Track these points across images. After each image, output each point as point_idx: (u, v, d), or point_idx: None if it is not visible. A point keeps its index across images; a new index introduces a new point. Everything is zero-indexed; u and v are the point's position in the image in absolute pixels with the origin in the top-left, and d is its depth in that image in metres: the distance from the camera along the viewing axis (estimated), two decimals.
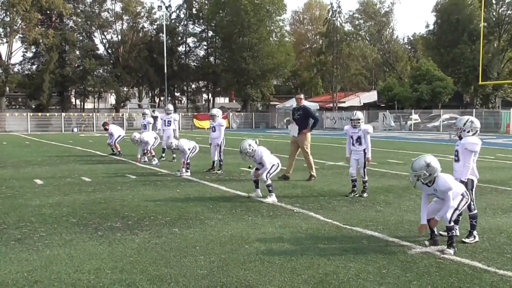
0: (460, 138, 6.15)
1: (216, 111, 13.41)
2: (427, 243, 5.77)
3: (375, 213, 7.64)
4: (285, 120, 45.25)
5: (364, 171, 9.26)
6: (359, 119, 9.29)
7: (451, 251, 5.48)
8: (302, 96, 12.03)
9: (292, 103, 49.82)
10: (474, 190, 6.11)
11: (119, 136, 17.72)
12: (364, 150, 9.21)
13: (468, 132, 6.09)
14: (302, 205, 8.25)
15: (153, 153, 14.69)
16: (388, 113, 44.47)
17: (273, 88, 59.10)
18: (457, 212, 5.65)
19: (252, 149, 8.74)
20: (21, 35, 49.13)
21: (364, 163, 9.24)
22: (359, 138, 9.23)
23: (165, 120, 16.36)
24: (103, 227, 6.65)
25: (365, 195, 9.11)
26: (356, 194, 9.14)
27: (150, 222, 6.93)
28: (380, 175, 12.11)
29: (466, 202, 5.74)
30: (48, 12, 50.86)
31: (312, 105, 28.52)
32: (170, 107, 16.95)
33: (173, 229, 6.53)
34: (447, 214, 5.52)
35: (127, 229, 6.52)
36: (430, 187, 5.67)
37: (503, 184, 10.62)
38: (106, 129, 18.11)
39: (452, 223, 5.56)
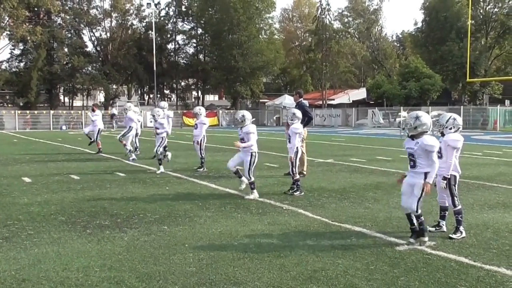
0: (443, 134, 6.23)
1: (198, 109, 13.29)
2: (412, 240, 5.80)
3: (364, 210, 7.68)
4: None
5: (292, 170, 9.01)
6: (287, 116, 9.33)
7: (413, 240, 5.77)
8: (296, 93, 12.14)
9: (281, 100, 49.97)
10: (457, 185, 6.20)
11: (92, 129, 17.68)
12: (292, 148, 9.02)
13: (451, 129, 6.18)
14: (291, 202, 8.28)
15: (130, 148, 14.69)
16: (377, 110, 44.68)
17: (263, 86, 59.09)
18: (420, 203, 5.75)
19: (245, 119, 8.81)
20: (8, 32, 48.66)
21: (292, 162, 8.99)
22: (289, 136, 9.18)
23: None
24: (92, 225, 6.63)
25: (296, 193, 8.92)
26: (290, 191, 9.05)
27: (139, 220, 6.92)
28: (369, 172, 12.17)
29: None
30: (36, 9, 50.44)
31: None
32: (158, 107, 16.16)
33: (162, 227, 6.53)
34: (413, 205, 5.65)
35: (116, 227, 6.50)
36: (413, 141, 5.68)
37: (490, 180, 10.73)
38: (93, 110, 18.20)
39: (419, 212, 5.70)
